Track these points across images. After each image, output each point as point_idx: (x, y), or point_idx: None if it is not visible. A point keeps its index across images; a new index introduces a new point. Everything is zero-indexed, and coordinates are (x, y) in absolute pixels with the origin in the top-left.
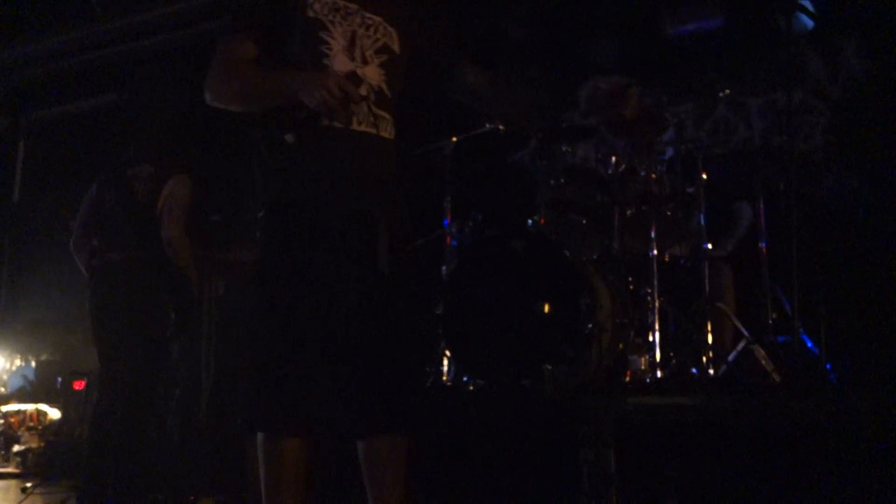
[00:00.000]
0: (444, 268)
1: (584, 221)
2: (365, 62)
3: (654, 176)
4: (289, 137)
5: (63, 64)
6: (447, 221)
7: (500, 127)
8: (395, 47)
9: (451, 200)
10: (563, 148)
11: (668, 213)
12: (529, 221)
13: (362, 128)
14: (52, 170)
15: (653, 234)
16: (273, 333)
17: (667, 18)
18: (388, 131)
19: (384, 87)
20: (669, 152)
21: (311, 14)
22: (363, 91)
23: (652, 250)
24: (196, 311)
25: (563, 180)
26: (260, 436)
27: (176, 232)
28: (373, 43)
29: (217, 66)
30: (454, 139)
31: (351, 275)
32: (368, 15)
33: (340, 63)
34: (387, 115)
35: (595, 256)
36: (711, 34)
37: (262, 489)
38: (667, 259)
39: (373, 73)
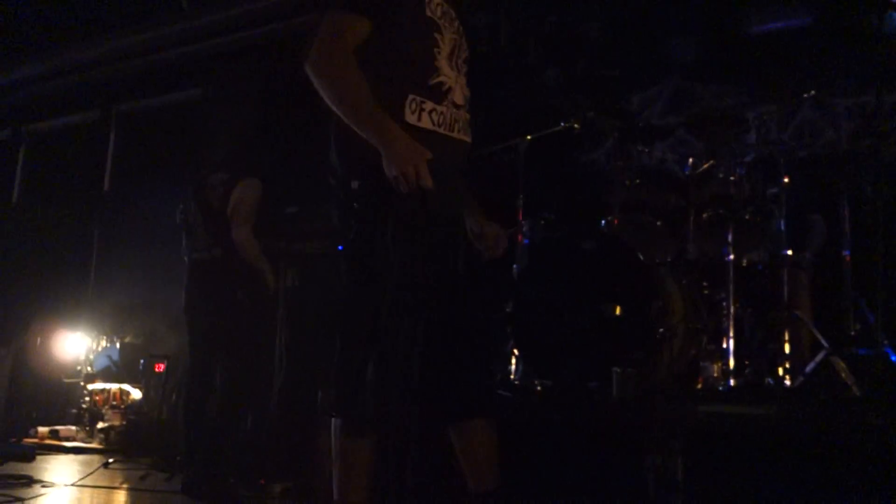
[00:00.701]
0: (514, 266)
1: (659, 223)
2: (459, 71)
3: (732, 178)
4: (354, 184)
5: (150, 59)
6: (519, 219)
7: (576, 126)
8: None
9: (524, 199)
10: (639, 148)
11: (747, 217)
12: (602, 222)
13: (460, 136)
14: (140, 160)
15: (729, 238)
16: (358, 325)
17: (751, 16)
18: (469, 137)
19: (468, 94)
20: (750, 154)
21: (428, 13)
22: (460, 101)
23: (728, 255)
24: (270, 304)
25: (637, 181)
26: (336, 432)
27: (244, 234)
28: (463, 52)
29: (330, 46)
30: (528, 137)
31: (435, 271)
32: (459, 24)
33: (445, 70)
34: (467, 124)
35: (669, 259)
36: (798, 33)
37: (334, 480)
38: (744, 264)
39: (463, 83)
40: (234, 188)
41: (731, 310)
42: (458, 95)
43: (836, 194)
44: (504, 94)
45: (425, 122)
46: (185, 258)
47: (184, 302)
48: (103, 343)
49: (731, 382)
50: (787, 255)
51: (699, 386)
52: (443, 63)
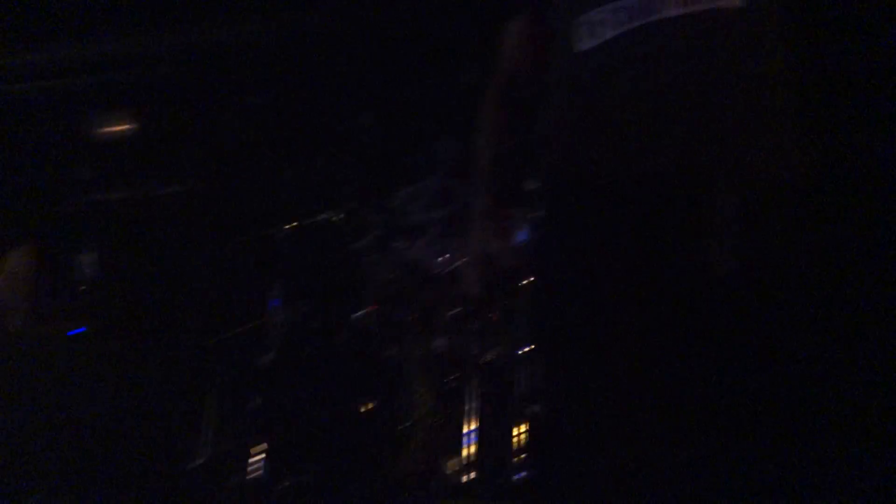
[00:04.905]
0: (263, 357)
1: (411, 317)
2: None
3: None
4: None
5: None
6: (276, 303)
7: (338, 217)
8: None
9: (281, 286)
10: (399, 243)
11: (492, 315)
12: (357, 315)
13: (671, 11)
14: None
15: (476, 333)
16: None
17: None
18: None
19: None
20: None
21: None
22: None
23: (475, 349)
24: None
25: (394, 275)
26: None
27: None
28: None
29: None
30: (292, 224)
31: (672, 280)
32: None
33: None
34: None
35: (419, 353)
36: None
37: None
38: (489, 359)
39: None
40: None
41: (474, 405)
42: None
43: None
44: (267, 180)
45: (608, 33)
46: None
47: None
48: None
49: (472, 476)
50: (527, 351)
51: (442, 480)
52: None
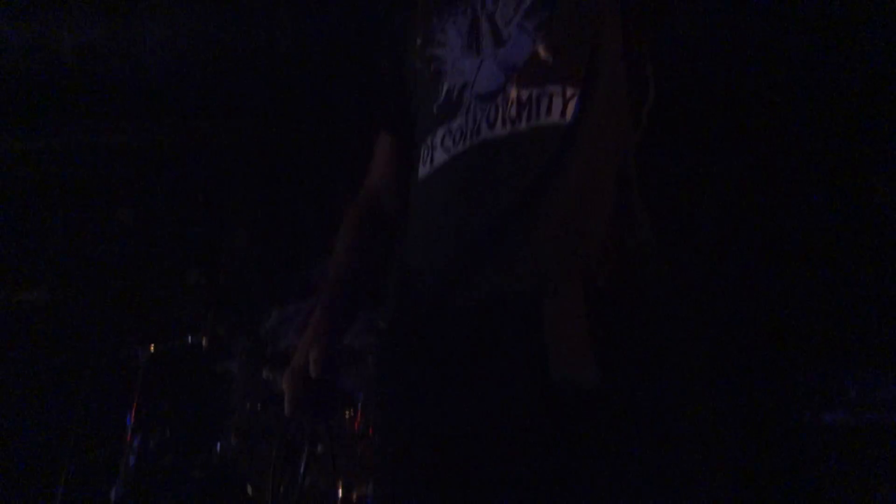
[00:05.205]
0: (113, 490)
1: (274, 453)
2: (500, 43)
3: (348, 413)
4: None
5: None
6: (130, 421)
7: (203, 341)
8: None
9: (140, 412)
10: (266, 373)
11: (360, 452)
12: (218, 446)
13: (497, 131)
14: None
15: (341, 473)
16: None
17: None
18: (553, 113)
19: (543, 53)
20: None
21: (419, 42)
22: (486, 88)
23: (338, 491)
24: None
25: (259, 406)
26: None
27: None
28: (514, 10)
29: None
30: (152, 347)
31: (503, 411)
32: None
33: (454, 71)
34: (551, 88)
35: (281, 491)
36: None
37: None
38: (354, 498)
39: (503, 55)
40: None
41: None
42: (484, 82)
43: None
44: (137, 295)
45: (439, 158)
46: None
47: None
48: None
49: None
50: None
51: None
52: (449, 66)
